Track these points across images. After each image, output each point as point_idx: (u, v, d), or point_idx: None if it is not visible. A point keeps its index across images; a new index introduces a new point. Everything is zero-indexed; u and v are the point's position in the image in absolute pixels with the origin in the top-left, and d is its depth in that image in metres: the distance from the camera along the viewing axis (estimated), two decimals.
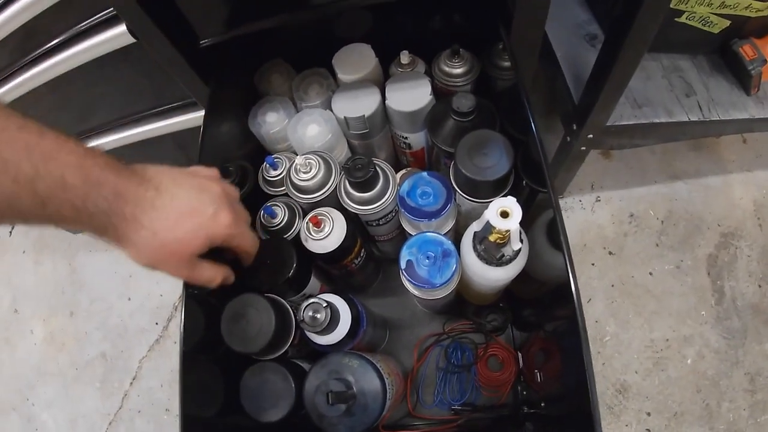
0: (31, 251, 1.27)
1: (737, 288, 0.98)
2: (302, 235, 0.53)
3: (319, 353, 0.50)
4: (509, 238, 0.43)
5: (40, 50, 0.72)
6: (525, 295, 0.64)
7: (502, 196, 0.50)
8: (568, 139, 0.79)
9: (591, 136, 0.75)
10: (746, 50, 0.82)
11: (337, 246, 0.53)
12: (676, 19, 0.75)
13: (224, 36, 0.58)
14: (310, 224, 0.52)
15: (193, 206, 0.37)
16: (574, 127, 0.76)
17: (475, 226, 0.47)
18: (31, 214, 0.30)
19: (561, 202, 1.03)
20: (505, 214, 0.41)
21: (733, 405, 0.92)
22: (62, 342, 1.16)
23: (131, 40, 0.63)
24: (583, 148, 0.78)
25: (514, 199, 0.42)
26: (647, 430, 0.90)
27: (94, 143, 0.85)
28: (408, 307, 0.76)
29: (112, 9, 0.63)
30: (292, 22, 0.58)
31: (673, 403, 0.92)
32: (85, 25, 0.68)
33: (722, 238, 1.00)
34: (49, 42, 0.71)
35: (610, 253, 0.99)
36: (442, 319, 0.74)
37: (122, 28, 0.64)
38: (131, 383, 1.08)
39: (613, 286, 0.97)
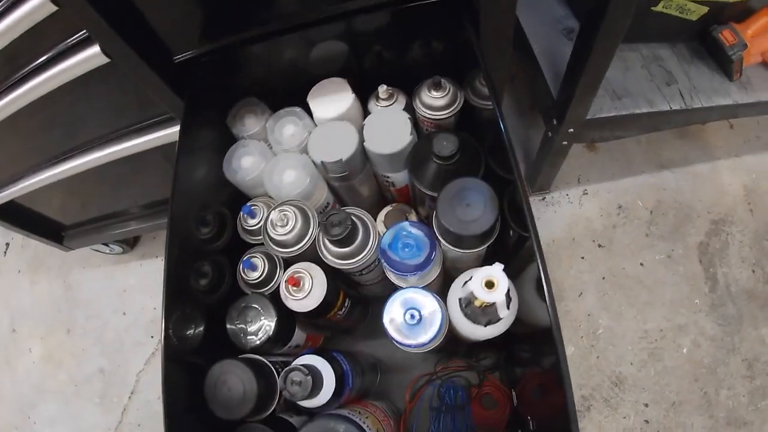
0: (27, 271, 1.27)
1: (730, 274, 0.97)
2: (281, 294, 0.51)
3: (305, 410, 0.48)
4: (497, 306, 0.42)
5: (20, 73, 0.73)
6: (517, 332, 0.63)
7: (489, 245, 0.49)
8: (550, 134, 0.79)
9: (571, 130, 0.75)
10: (726, 36, 0.82)
11: (318, 304, 0.51)
12: (652, 8, 0.74)
13: (198, 50, 0.58)
14: (288, 285, 0.50)
15: None
16: (555, 123, 0.76)
17: (459, 291, 0.45)
18: None
19: (547, 197, 1.03)
20: (490, 285, 0.40)
21: (731, 392, 0.91)
22: (60, 359, 1.16)
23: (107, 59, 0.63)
24: (565, 142, 0.78)
25: (500, 268, 0.40)
26: (645, 421, 0.90)
27: (81, 160, 0.86)
28: (399, 348, 0.74)
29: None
30: (266, 40, 0.56)
31: (671, 393, 0.91)
32: (64, 46, 0.68)
33: (713, 225, 1.00)
34: (30, 65, 0.72)
35: (600, 245, 0.99)
36: (435, 359, 0.72)
37: (97, 48, 0.64)
38: (130, 397, 1.08)
39: (604, 278, 0.96)
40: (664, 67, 0.84)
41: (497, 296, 0.39)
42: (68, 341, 1.17)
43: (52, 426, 1.12)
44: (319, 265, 0.52)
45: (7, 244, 1.32)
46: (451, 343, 0.64)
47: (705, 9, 0.77)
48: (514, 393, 0.67)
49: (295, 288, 0.50)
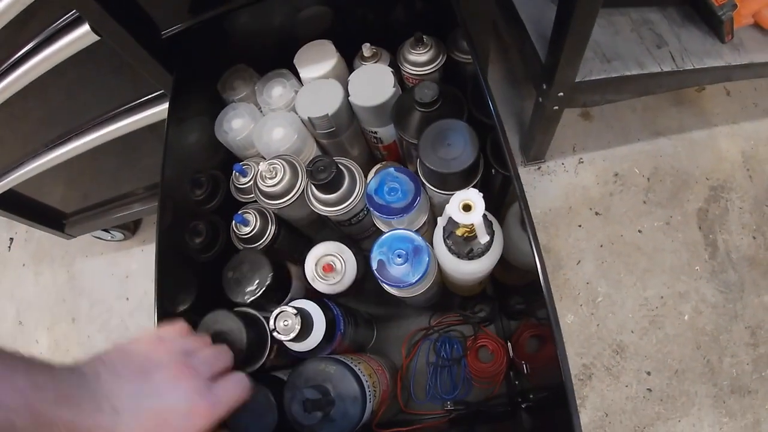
0: (31, 263, 1.29)
1: (731, 241, 0.97)
2: (308, 275, 0.53)
3: (297, 360, 0.49)
4: (476, 231, 0.42)
5: (10, 60, 0.74)
6: (510, 282, 0.63)
7: (473, 186, 0.49)
8: (540, 99, 0.79)
9: (561, 94, 0.75)
10: None
11: (348, 286, 0.52)
12: None
13: (186, 24, 0.59)
14: (324, 272, 0.52)
15: (161, 416, 0.32)
16: (544, 87, 0.76)
17: (440, 220, 0.46)
18: None
19: (543, 166, 1.02)
20: (467, 208, 0.40)
21: (735, 360, 0.90)
22: (67, 348, 1.18)
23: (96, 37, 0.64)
24: (556, 107, 0.78)
25: (476, 191, 0.40)
26: (648, 389, 0.89)
27: (78, 143, 0.87)
28: (394, 302, 0.74)
29: (74, 11, 0.65)
30: (251, 5, 0.57)
31: (673, 361, 0.90)
32: (52, 29, 0.69)
33: (712, 192, 0.99)
34: (18, 51, 0.73)
35: (597, 213, 0.98)
36: (429, 314, 0.73)
37: (86, 27, 0.65)
38: None
39: (602, 246, 0.96)
40: (654, 30, 0.83)
41: (475, 217, 0.39)
42: (74, 330, 1.18)
43: None
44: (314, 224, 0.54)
45: (11, 239, 1.34)
46: (445, 297, 0.65)
47: None
48: (509, 344, 0.67)
49: (327, 273, 0.52)
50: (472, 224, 0.40)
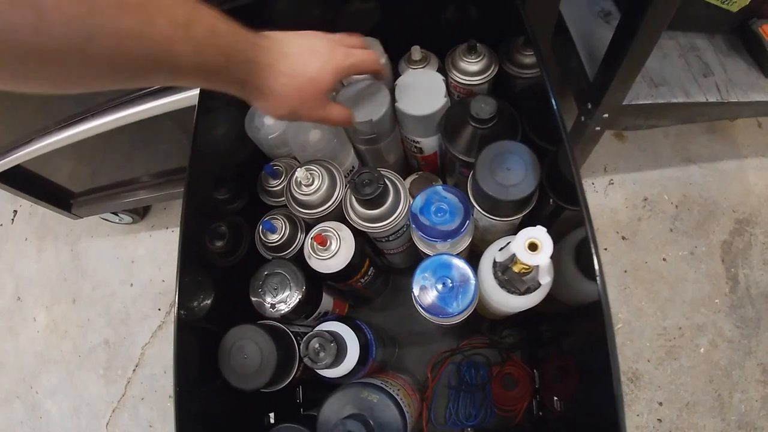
0: (34, 239, 1.25)
1: (751, 276, 0.96)
2: (306, 252, 0.49)
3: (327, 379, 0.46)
4: (535, 268, 0.39)
5: None
6: (543, 310, 0.61)
7: (525, 215, 0.46)
8: (583, 118, 0.76)
9: (606, 115, 0.73)
10: (766, 30, 0.80)
11: (343, 266, 0.48)
12: None
13: (222, 5, 0.56)
14: (314, 242, 0.48)
15: (313, 48, 0.39)
16: (589, 107, 0.73)
17: (497, 254, 0.43)
18: (187, 62, 0.30)
19: None
20: (533, 247, 0.37)
21: (745, 396, 0.90)
22: (65, 329, 1.15)
23: None
24: (598, 128, 0.76)
25: (545, 231, 0.37)
26: (659, 419, 0.89)
27: (92, 123, 0.83)
28: (419, 321, 0.70)
29: None
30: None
31: (686, 393, 0.90)
32: None
33: (737, 225, 0.98)
34: None
35: (623, 237, 0.96)
36: (455, 335, 0.70)
37: None
38: (134, 370, 1.07)
39: (626, 271, 0.94)
40: (701, 58, 0.81)
41: (541, 259, 0.36)
42: (74, 311, 1.15)
43: (54, 396, 1.11)
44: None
45: (15, 212, 1.30)
46: (474, 319, 0.63)
47: (746, 1, 0.75)
48: (536, 373, 0.65)
49: (321, 247, 0.48)
50: (537, 265, 0.37)
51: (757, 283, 0.95)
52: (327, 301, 0.55)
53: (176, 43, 0.29)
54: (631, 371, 0.90)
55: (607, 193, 0.99)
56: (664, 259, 0.95)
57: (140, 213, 1.17)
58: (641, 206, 0.98)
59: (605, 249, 0.95)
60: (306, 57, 0.38)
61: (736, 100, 0.78)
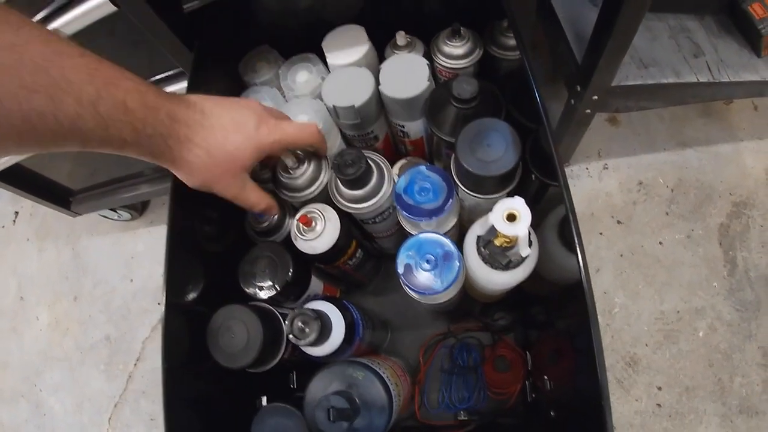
0: (35, 239, 1.27)
1: (750, 259, 0.95)
2: (292, 234, 0.50)
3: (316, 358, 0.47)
4: (517, 242, 0.40)
5: None
6: (535, 292, 0.61)
7: (509, 192, 0.46)
8: (573, 101, 0.76)
9: (596, 97, 0.73)
10: (756, 9, 0.79)
11: (329, 247, 0.49)
12: None
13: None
14: (300, 223, 0.48)
15: (237, 122, 0.38)
16: (578, 89, 0.73)
17: (478, 229, 0.43)
18: (94, 136, 0.31)
19: (567, 170, 1.00)
20: (512, 218, 0.37)
21: (745, 380, 0.89)
22: (67, 327, 1.16)
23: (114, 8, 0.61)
24: (588, 110, 0.76)
25: (522, 201, 0.37)
26: (658, 404, 0.88)
27: None
28: (411, 305, 0.71)
29: None
30: None
31: (685, 378, 0.89)
32: None
33: (734, 208, 0.97)
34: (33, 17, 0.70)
35: (619, 222, 0.96)
36: (447, 318, 0.70)
37: None
38: (135, 364, 1.08)
39: (622, 256, 0.94)
40: (692, 38, 0.81)
41: (520, 229, 0.36)
42: (75, 308, 1.16)
43: (57, 393, 1.12)
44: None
45: (16, 213, 1.32)
46: (466, 302, 0.63)
47: None
48: (528, 355, 0.65)
49: (306, 228, 0.48)
50: (516, 236, 0.37)
51: (756, 265, 0.95)
52: (316, 285, 0.56)
53: (82, 120, 0.30)
54: (629, 356, 0.89)
55: (602, 178, 0.99)
56: (660, 243, 0.94)
57: (138, 209, 1.18)
58: (636, 190, 0.98)
59: (600, 233, 0.95)
60: (227, 131, 0.37)
61: (728, 80, 0.78)
